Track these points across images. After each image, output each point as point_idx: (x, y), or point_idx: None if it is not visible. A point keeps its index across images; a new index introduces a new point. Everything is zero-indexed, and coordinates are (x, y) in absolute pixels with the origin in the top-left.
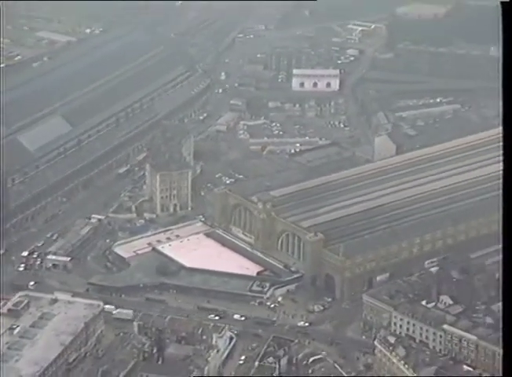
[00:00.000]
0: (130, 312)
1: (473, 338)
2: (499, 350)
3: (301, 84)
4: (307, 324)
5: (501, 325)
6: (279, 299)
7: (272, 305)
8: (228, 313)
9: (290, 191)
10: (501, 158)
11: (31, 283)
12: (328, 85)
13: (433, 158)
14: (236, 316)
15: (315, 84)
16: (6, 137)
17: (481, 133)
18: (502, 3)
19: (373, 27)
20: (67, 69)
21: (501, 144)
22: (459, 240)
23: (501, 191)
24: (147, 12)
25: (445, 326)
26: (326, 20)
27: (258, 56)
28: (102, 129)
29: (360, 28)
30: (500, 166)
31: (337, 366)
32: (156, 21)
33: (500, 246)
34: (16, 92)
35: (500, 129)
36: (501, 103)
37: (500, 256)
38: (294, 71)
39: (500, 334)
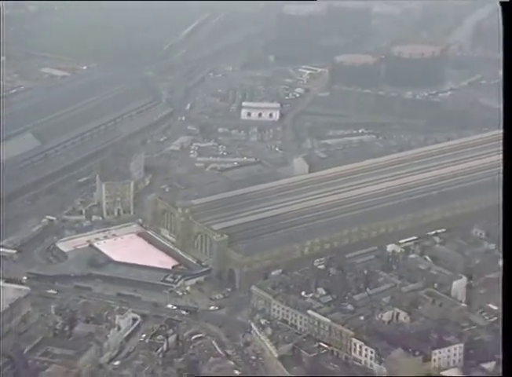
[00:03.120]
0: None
1: (328, 320)
2: (347, 330)
3: (249, 114)
4: (206, 309)
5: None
6: (188, 288)
7: (181, 293)
8: (141, 299)
9: (211, 200)
10: (389, 179)
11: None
12: (271, 115)
13: (335, 176)
14: (147, 302)
15: (260, 114)
16: None
17: (379, 157)
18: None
19: (319, 71)
20: (47, 96)
21: (399, 165)
22: (343, 244)
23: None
24: (140, 52)
25: (309, 311)
26: (286, 64)
27: (219, 91)
28: (68, 146)
29: (309, 71)
30: (386, 185)
31: (214, 342)
32: (144, 59)
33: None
34: None
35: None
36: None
37: (368, 257)
38: (243, 104)
39: (351, 317)
